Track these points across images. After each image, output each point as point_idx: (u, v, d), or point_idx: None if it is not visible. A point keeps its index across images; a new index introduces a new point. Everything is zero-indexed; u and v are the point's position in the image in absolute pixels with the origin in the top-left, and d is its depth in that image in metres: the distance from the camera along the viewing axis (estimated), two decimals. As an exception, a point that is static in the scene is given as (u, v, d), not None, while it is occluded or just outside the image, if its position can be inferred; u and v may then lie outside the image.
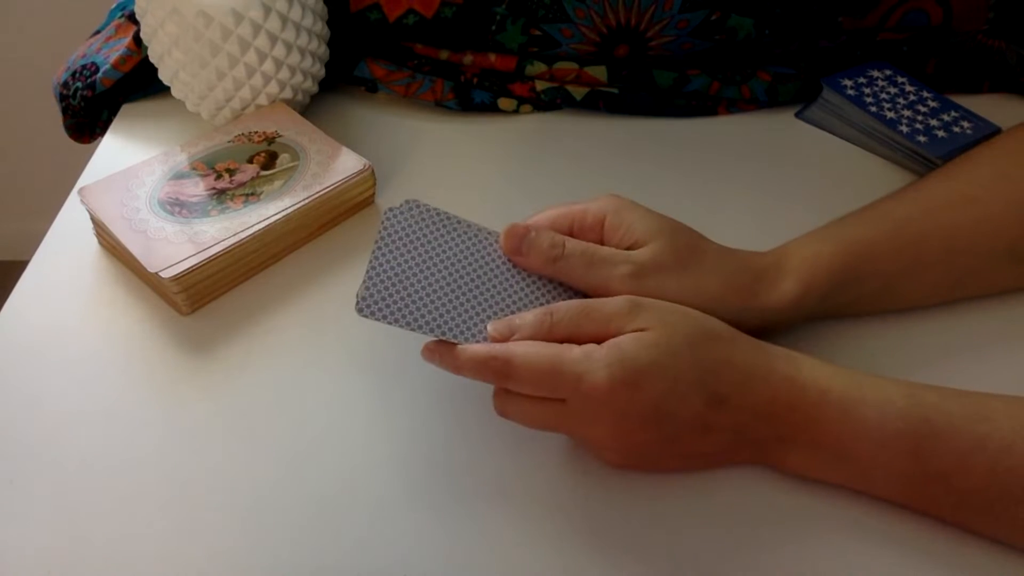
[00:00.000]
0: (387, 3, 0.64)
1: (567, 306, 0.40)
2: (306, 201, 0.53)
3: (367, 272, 0.42)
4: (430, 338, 0.41)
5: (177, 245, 0.50)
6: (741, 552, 0.40)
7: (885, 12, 0.63)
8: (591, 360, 0.38)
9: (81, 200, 0.53)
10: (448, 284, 0.43)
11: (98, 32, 0.72)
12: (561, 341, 0.39)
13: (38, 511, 0.42)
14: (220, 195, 0.54)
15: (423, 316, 0.41)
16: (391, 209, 0.44)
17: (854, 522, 0.40)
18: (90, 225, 0.55)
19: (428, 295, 0.42)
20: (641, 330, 0.39)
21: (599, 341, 0.39)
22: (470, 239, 0.44)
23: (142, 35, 0.61)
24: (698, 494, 0.42)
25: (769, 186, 0.59)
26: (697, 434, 0.39)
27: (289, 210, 0.53)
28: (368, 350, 0.49)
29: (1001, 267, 0.48)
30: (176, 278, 0.48)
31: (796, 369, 0.40)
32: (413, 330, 0.41)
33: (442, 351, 0.41)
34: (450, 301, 0.42)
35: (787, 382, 0.39)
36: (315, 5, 0.61)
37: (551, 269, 0.43)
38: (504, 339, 0.40)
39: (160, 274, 0.48)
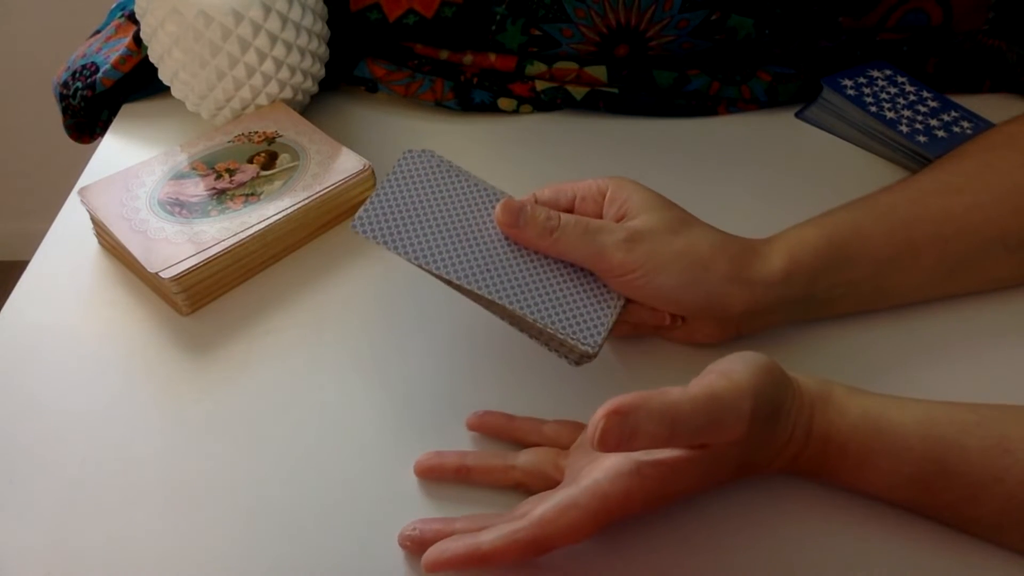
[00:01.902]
0: (387, 3, 0.64)
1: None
2: (306, 201, 0.53)
3: (371, 197, 0.44)
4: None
5: (177, 245, 0.50)
6: (745, 547, 0.40)
7: (885, 12, 0.63)
8: (631, 500, 0.36)
9: (81, 200, 0.53)
10: (447, 226, 0.44)
11: (98, 32, 0.72)
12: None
13: (38, 511, 0.41)
14: (220, 195, 0.54)
15: (415, 245, 0.43)
16: (409, 151, 0.46)
17: (858, 519, 0.40)
18: (90, 225, 0.55)
19: (425, 229, 0.44)
20: None
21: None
22: (479, 193, 0.46)
23: (142, 35, 0.61)
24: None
25: (769, 186, 0.59)
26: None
27: (289, 210, 0.53)
28: (368, 350, 0.49)
29: (994, 256, 0.48)
30: (176, 278, 0.48)
31: (825, 425, 0.39)
32: (400, 255, 0.42)
33: (453, 555, 0.35)
34: (445, 240, 0.43)
35: (811, 441, 0.39)
36: (315, 5, 0.61)
37: (547, 241, 0.43)
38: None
39: (160, 274, 0.48)
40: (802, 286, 0.45)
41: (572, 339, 0.42)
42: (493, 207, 0.45)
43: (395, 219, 0.43)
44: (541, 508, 0.35)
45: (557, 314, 0.42)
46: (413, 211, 0.44)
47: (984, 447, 0.37)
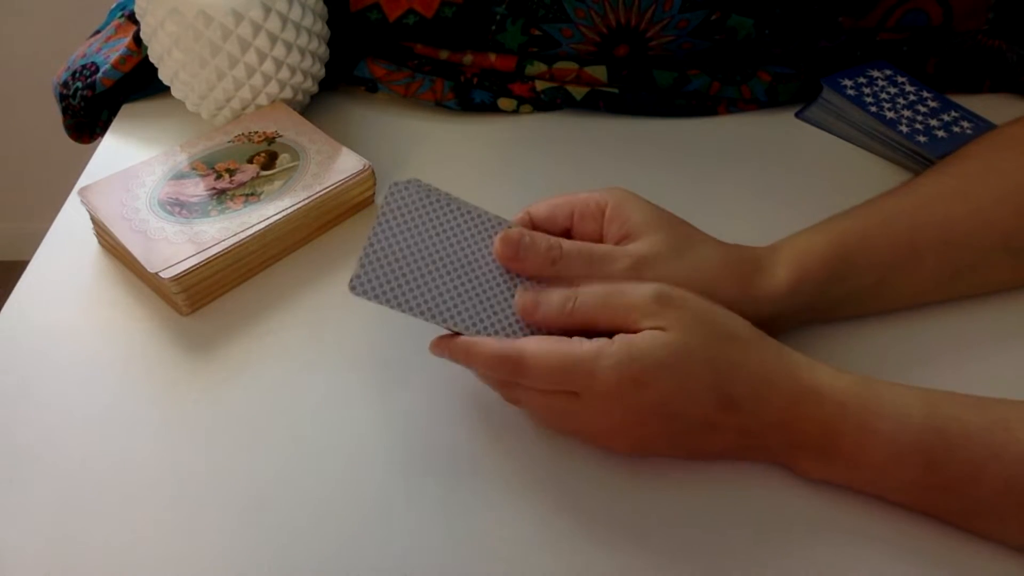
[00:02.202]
0: (387, 3, 0.64)
1: (591, 292, 0.40)
2: (306, 201, 0.53)
3: (364, 249, 0.41)
4: (428, 323, 0.41)
5: (177, 245, 0.50)
6: (745, 551, 0.40)
7: (885, 12, 0.63)
8: (601, 356, 0.38)
9: (81, 200, 0.53)
10: (447, 269, 0.42)
11: (98, 32, 0.72)
12: (580, 326, 0.40)
13: (38, 511, 0.41)
14: (220, 195, 0.54)
15: (418, 299, 0.41)
16: (395, 184, 0.44)
17: (859, 524, 0.40)
18: (90, 225, 0.55)
19: (425, 278, 0.41)
20: (659, 328, 0.38)
21: (617, 330, 0.39)
22: (473, 223, 0.44)
23: (142, 35, 0.61)
24: (705, 492, 0.42)
25: (769, 186, 0.59)
26: (705, 433, 0.40)
27: (289, 210, 0.53)
28: (368, 350, 0.49)
29: (997, 260, 0.48)
30: (176, 278, 0.48)
31: (814, 379, 0.39)
32: (405, 312, 0.40)
33: (451, 345, 0.41)
34: (447, 286, 0.41)
35: (803, 392, 0.39)
36: (315, 5, 0.61)
37: (550, 271, 0.42)
38: (529, 312, 0.41)
39: (160, 274, 0.48)
40: (807, 297, 0.45)
41: None
42: (491, 237, 0.43)
43: (393, 272, 0.41)
44: (534, 341, 0.39)
45: None
46: (410, 258, 0.42)
47: (984, 423, 0.38)
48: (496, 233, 0.43)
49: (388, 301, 0.40)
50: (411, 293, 0.41)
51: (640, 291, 0.39)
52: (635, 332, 0.39)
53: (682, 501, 0.41)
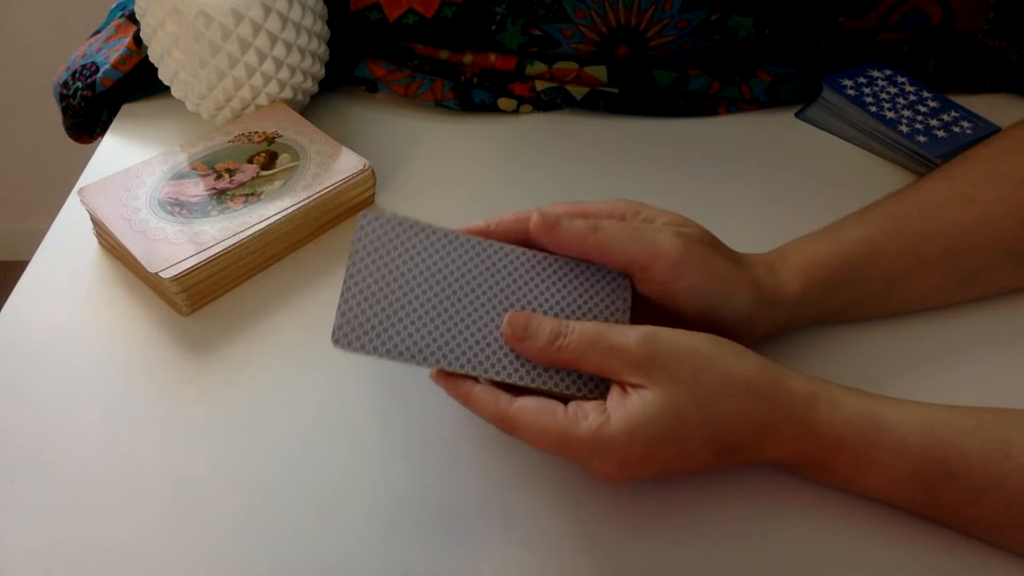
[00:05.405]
0: (387, 3, 0.64)
1: (580, 332, 0.39)
2: (306, 201, 0.53)
3: (341, 296, 0.39)
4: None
5: (177, 245, 0.50)
6: (744, 553, 0.40)
7: (885, 12, 0.63)
8: (600, 440, 0.37)
9: (81, 200, 0.53)
10: (431, 304, 0.40)
11: (98, 32, 0.72)
12: (565, 364, 0.39)
13: (38, 511, 0.41)
14: (220, 195, 0.54)
15: (406, 343, 0.39)
16: (364, 216, 0.41)
17: (856, 520, 0.40)
18: (90, 225, 0.55)
19: (411, 317, 0.39)
20: (643, 386, 0.37)
21: (601, 375, 0.39)
22: (449, 249, 0.41)
23: (142, 35, 0.61)
24: (702, 495, 0.42)
25: (769, 186, 0.59)
26: (701, 471, 0.40)
27: (289, 210, 0.53)
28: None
29: (1001, 268, 0.49)
30: (176, 278, 0.48)
31: (812, 415, 0.39)
32: (395, 360, 0.39)
33: (451, 386, 0.40)
34: (434, 323, 0.40)
35: (801, 430, 0.39)
36: (315, 5, 0.61)
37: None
38: (517, 338, 0.40)
39: (160, 274, 0.48)
40: (814, 303, 0.46)
41: (591, 395, 0.40)
42: (472, 262, 0.41)
43: (377, 317, 0.39)
44: (524, 399, 0.38)
45: (569, 375, 0.40)
46: (391, 298, 0.40)
47: (985, 450, 0.37)
48: (477, 256, 0.42)
49: (375, 350, 0.38)
50: (397, 337, 0.39)
51: (626, 335, 0.38)
52: (619, 384, 0.38)
53: (677, 507, 0.41)
